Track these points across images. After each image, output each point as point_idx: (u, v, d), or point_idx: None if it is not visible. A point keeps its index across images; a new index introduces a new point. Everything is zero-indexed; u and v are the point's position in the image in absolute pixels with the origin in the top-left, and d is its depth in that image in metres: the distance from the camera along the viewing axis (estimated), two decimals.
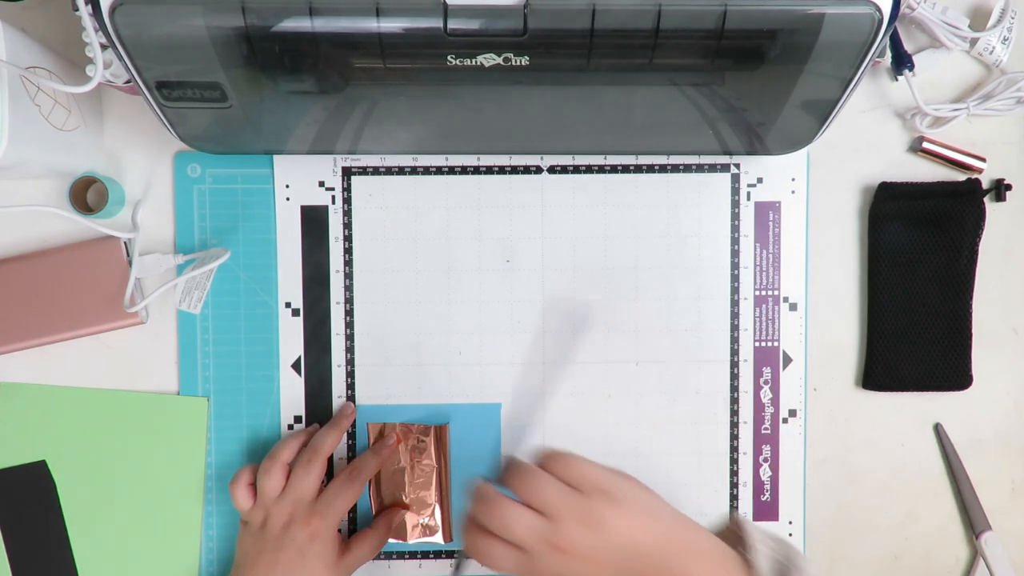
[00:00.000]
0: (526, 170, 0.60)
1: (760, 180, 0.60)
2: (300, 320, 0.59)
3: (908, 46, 0.58)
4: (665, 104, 0.49)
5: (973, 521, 0.61)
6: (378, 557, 0.60)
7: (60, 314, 0.58)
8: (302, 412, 0.60)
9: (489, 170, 0.60)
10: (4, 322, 0.58)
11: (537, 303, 0.60)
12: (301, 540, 0.54)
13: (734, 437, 0.61)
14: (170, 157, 0.59)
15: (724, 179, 0.60)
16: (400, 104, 0.49)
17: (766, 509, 0.61)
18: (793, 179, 0.60)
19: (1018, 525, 0.61)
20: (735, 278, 0.60)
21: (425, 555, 0.61)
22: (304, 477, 0.55)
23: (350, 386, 0.60)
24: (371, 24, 0.41)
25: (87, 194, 0.58)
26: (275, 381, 0.60)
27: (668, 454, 0.61)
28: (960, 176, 0.60)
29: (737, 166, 0.60)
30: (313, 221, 0.59)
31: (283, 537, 0.54)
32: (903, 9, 0.57)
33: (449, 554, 0.60)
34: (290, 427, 0.60)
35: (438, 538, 0.60)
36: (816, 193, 0.60)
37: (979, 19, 0.59)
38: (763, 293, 0.60)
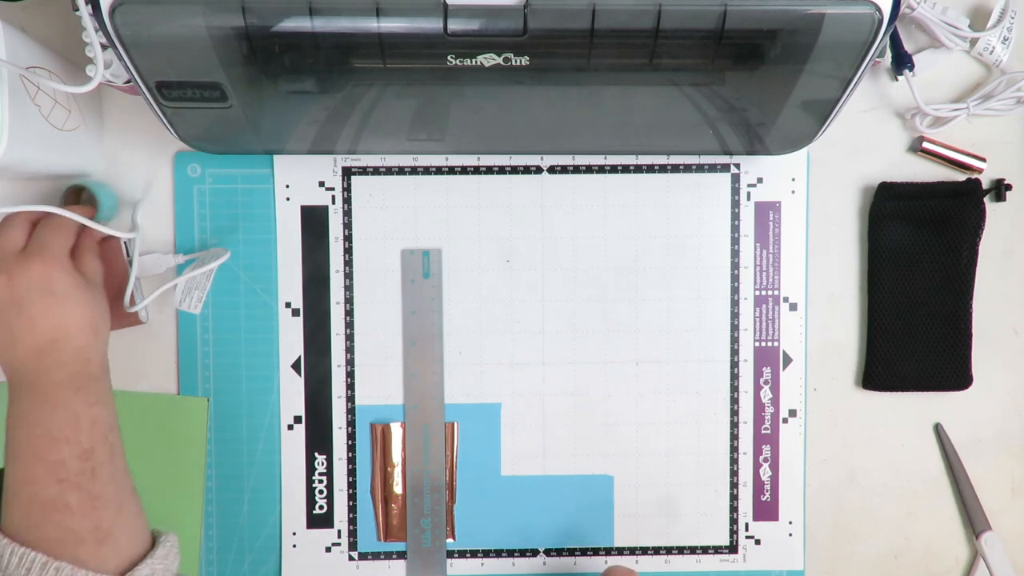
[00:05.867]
0: (526, 170, 0.60)
1: (760, 180, 0.60)
2: (300, 320, 0.59)
3: (908, 46, 0.58)
4: (665, 104, 0.49)
5: (973, 521, 0.61)
6: (378, 557, 0.60)
7: None
8: (302, 412, 0.60)
9: (489, 170, 0.60)
10: None
11: (537, 303, 0.60)
12: (37, 287, 0.46)
13: (734, 437, 0.61)
14: (170, 157, 0.59)
15: (724, 179, 0.60)
16: (400, 104, 0.49)
17: (766, 509, 0.61)
18: (793, 179, 0.60)
19: (1018, 525, 0.61)
20: (735, 278, 0.60)
21: None
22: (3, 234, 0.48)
23: (350, 386, 0.60)
24: (371, 24, 0.41)
25: (79, 202, 0.57)
26: (275, 381, 0.60)
27: (668, 454, 0.61)
28: (960, 176, 0.60)
29: (737, 166, 0.60)
30: (313, 221, 0.59)
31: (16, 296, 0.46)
32: (903, 9, 0.57)
33: (450, 553, 0.60)
34: (290, 427, 0.60)
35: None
36: (816, 193, 0.60)
37: (979, 19, 0.59)
38: (763, 293, 0.60)
